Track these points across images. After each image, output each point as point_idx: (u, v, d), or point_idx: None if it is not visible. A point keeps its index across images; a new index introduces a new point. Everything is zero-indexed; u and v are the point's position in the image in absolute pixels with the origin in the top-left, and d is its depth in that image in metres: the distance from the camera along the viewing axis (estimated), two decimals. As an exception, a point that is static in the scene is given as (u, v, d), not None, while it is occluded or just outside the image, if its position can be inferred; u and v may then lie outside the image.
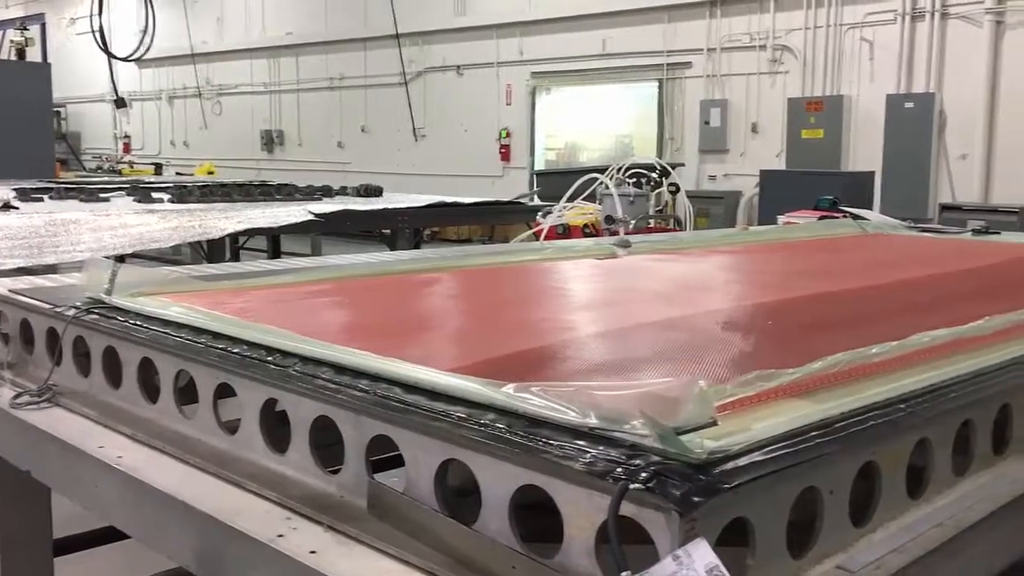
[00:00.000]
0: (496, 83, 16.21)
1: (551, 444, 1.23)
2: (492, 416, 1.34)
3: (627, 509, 1.15)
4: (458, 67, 16.74)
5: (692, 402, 1.21)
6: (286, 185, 7.65)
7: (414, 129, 17.49)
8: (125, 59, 16.35)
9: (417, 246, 7.68)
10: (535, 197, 10.19)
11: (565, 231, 6.27)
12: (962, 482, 1.63)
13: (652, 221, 7.67)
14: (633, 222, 6.53)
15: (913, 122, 11.10)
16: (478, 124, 16.45)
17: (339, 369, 1.56)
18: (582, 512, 1.21)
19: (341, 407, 1.53)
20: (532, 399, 1.31)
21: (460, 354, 1.85)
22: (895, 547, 1.39)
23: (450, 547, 1.32)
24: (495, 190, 14.10)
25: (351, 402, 1.50)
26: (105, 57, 16.11)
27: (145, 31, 14.68)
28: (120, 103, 19.42)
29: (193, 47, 21.53)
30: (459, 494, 1.42)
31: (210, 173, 14.37)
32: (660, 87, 14.24)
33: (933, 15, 11.34)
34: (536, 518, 1.30)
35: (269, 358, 1.65)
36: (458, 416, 1.35)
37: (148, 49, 14.95)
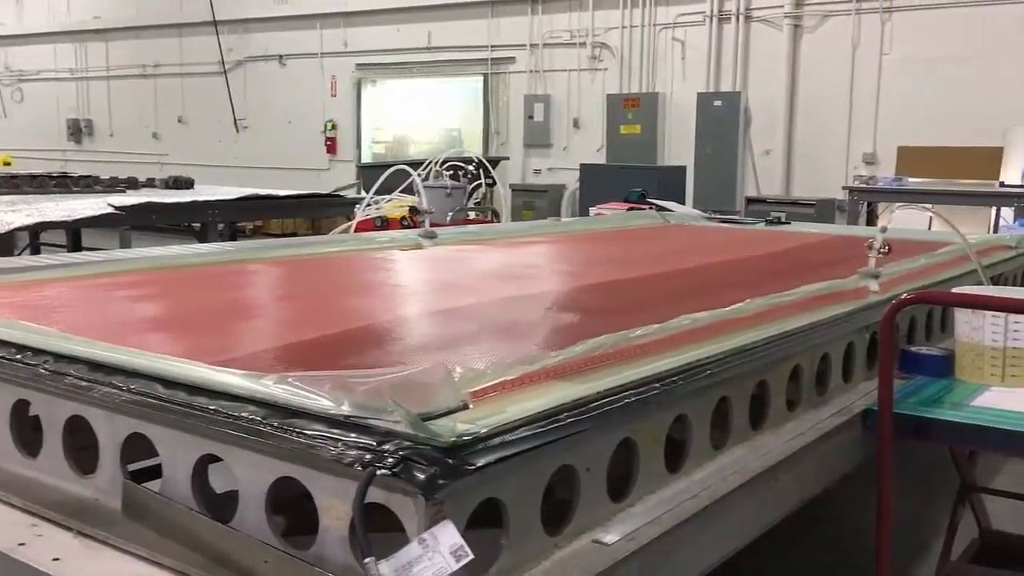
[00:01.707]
0: (321, 74, 15.86)
1: (305, 434, 1.21)
2: (252, 408, 1.30)
3: (377, 496, 1.15)
4: (280, 57, 16.27)
5: (443, 387, 1.22)
6: (86, 176, 7.20)
7: (235, 120, 16.86)
8: None
9: (233, 240, 7.40)
10: (360, 189, 10.04)
11: (383, 223, 6.22)
12: (720, 456, 1.72)
13: (472, 213, 7.73)
14: (451, 214, 6.57)
15: (721, 119, 11.68)
16: (303, 116, 16.04)
17: (94, 366, 1.48)
18: (336, 501, 1.20)
19: (94, 406, 1.45)
20: (290, 389, 1.29)
21: (233, 345, 1.79)
22: (651, 519, 1.45)
23: (205, 545, 1.28)
24: (321, 183, 13.78)
25: (104, 400, 1.43)
26: None
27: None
28: None
29: (-12, 29, 19.95)
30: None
31: (6, 164, 13.31)
32: (485, 81, 14.36)
33: (738, 17, 11.96)
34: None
35: (18, 356, 1.55)
36: (213, 410, 1.31)
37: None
